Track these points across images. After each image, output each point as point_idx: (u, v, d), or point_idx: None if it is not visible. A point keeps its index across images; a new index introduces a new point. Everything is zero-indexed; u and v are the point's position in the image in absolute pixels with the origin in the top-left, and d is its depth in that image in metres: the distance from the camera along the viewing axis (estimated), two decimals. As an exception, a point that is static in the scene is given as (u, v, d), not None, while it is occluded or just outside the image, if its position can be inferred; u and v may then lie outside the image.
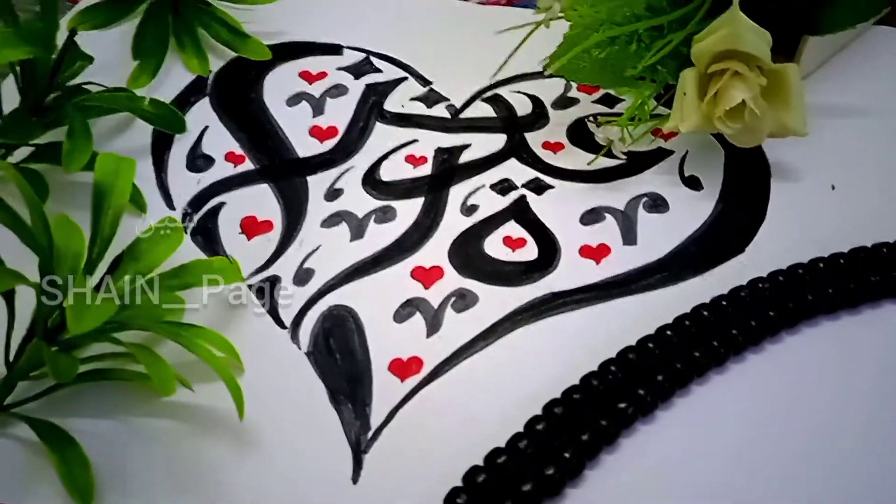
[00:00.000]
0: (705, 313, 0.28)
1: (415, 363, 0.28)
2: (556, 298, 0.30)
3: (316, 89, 0.39)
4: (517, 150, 0.36)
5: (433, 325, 0.29)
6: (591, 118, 0.36)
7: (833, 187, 0.34)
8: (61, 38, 0.33)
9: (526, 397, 0.26)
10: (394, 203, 0.33)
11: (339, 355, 0.28)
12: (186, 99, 0.38)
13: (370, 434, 0.26)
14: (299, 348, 0.29)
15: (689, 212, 0.33)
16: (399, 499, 0.25)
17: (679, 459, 0.25)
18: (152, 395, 0.27)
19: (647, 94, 0.34)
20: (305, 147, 0.36)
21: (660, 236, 0.32)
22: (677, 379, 0.26)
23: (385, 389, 0.27)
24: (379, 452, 0.26)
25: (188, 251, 0.31)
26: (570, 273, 0.31)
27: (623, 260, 0.31)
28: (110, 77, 0.37)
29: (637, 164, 0.35)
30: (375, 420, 0.26)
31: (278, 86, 0.39)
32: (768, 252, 0.31)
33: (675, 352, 0.27)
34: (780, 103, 0.32)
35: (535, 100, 0.38)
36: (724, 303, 0.28)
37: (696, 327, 0.28)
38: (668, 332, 0.27)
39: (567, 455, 0.24)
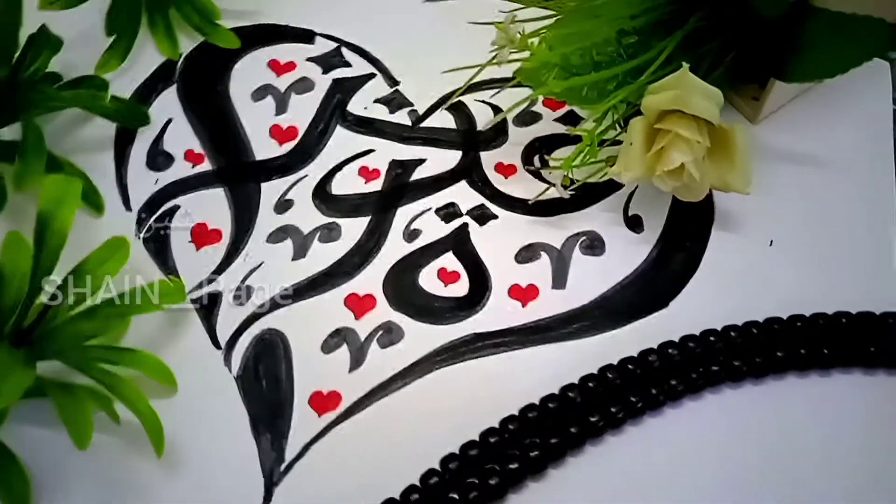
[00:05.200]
0: (610, 375, 0.30)
1: (333, 398, 0.30)
2: (478, 340, 0.31)
3: (282, 82, 0.39)
4: (469, 170, 0.36)
5: (357, 359, 0.31)
6: (539, 158, 0.37)
7: (771, 243, 0.34)
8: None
9: (431, 444, 0.29)
10: (340, 220, 0.35)
11: (266, 382, 0.30)
12: (153, 86, 0.39)
13: (283, 467, 0.29)
14: (230, 371, 0.31)
15: (625, 256, 0.34)
16: (300, 533, 0.28)
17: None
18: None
19: (595, 133, 0.34)
20: (264, 148, 0.37)
21: (590, 281, 0.33)
22: (552, 451, 0.29)
23: (303, 423, 0.30)
24: (289, 486, 0.28)
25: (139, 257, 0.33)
26: (496, 314, 0.32)
27: (549, 304, 0.32)
28: (80, 55, 0.38)
29: (584, 196, 0.35)
30: (290, 453, 0.29)
31: (246, 76, 0.39)
32: (692, 308, 0.32)
33: (563, 419, 0.29)
34: (725, 161, 0.32)
35: (498, 111, 0.38)
36: (630, 366, 0.30)
37: (583, 396, 0.29)
38: (552, 404, 0.29)
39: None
